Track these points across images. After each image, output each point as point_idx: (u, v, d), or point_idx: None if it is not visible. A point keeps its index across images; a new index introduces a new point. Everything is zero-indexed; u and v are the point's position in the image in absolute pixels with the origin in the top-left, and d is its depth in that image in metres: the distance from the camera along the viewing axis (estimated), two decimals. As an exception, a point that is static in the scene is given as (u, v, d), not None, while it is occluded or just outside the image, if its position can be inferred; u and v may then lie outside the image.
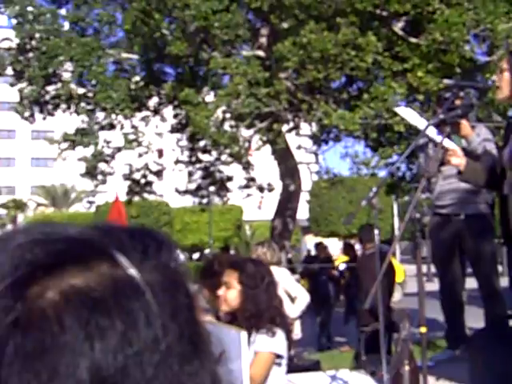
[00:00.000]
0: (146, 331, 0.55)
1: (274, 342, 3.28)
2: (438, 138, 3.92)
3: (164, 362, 0.55)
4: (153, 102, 13.01)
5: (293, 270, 14.12)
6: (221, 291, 3.38)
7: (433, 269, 13.48)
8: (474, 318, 6.70)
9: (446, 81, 4.56)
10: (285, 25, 9.97)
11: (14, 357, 0.52)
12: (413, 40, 9.70)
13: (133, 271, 0.57)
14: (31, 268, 0.55)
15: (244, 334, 2.53)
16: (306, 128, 13.15)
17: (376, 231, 4.71)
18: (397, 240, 4.93)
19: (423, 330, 3.87)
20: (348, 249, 13.87)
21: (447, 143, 3.84)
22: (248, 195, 14.27)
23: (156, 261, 0.60)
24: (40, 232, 0.59)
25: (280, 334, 3.32)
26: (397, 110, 5.57)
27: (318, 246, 14.30)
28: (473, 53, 9.64)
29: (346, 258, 12.76)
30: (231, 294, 3.36)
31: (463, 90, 5.25)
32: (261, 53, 10.82)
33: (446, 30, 8.95)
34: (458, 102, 4.91)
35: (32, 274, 0.55)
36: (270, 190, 13.78)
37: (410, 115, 4.58)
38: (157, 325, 0.55)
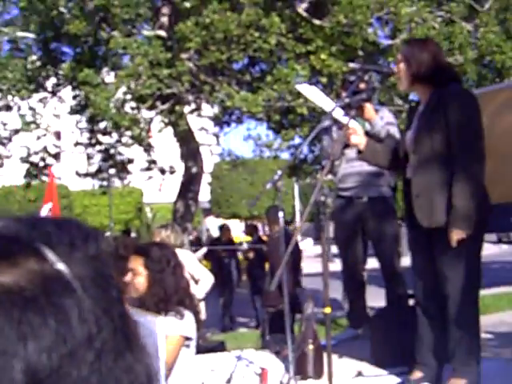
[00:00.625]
0: (80, 328, 0.52)
1: (183, 325, 3.28)
2: (344, 120, 3.94)
3: (99, 359, 0.52)
4: (51, 82, 12.54)
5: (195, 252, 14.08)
6: (127, 278, 3.33)
7: (333, 250, 13.75)
8: (374, 297, 6.88)
9: (352, 64, 4.60)
10: (187, 4, 9.78)
11: None
12: (316, 22, 9.75)
13: (61, 266, 0.54)
14: None
15: (160, 319, 2.49)
16: (207, 109, 13.06)
17: (281, 213, 4.72)
18: (302, 222, 4.96)
19: (328, 310, 3.91)
20: (251, 229, 13.97)
21: (352, 124, 3.86)
22: (149, 177, 14.05)
23: (84, 253, 0.57)
24: None
25: (188, 315, 3.32)
26: (300, 87, 5.57)
27: (222, 227, 14.33)
28: (376, 36, 9.79)
29: (249, 239, 12.84)
30: (138, 279, 3.34)
31: (367, 73, 5.33)
32: (162, 33, 10.60)
33: (350, 13, 9.03)
34: (362, 86, 4.98)
35: None
36: (172, 172, 13.61)
37: (314, 94, 4.59)
38: (90, 321, 0.53)
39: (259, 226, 33.73)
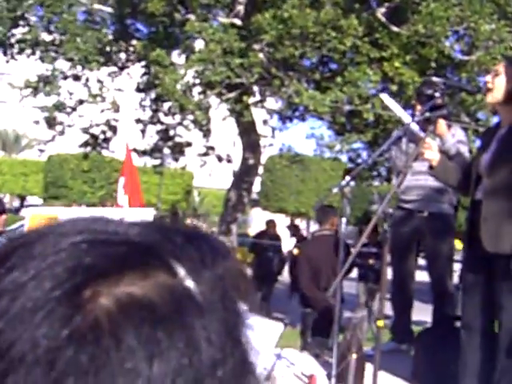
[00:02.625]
0: (206, 353, 0.48)
1: None
2: (421, 134, 3.89)
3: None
4: (121, 58, 12.70)
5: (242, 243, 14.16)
6: None
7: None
8: (415, 312, 6.80)
9: (435, 78, 4.53)
10: (265, -4, 9.80)
11: (64, 373, 0.45)
12: (394, 28, 9.65)
13: (191, 283, 0.50)
14: (90, 274, 0.48)
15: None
16: (271, 103, 13.06)
17: (344, 220, 4.68)
18: (366, 232, 4.92)
19: (380, 323, 3.88)
20: (294, 230, 13.93)
21: (428, 140, 3.82)
22: (204, 163, 14.13)
23: (212, 271, 0.53)
24: (95, 231, 0.52)
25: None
26: (383, 96, 5.52)
27: (269, 223, 14.29)
28: (452, 50, 9.65)
29: (297, 251, 12.71)
30: None
31: (449, 89, 5.25)
32: (238, 21, 10.63)
33: (429, 23, 8.90)
34: (440, 101, 4.90)
35: (90, 280, 0.48)
36: (229, 161, 13.67)
37: (395, 106, 4.55)
38: (217, 346, 0.49)
39: (303, 222, 33.74)
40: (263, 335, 2.57)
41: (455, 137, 5.24)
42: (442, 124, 5.00)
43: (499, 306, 3.53)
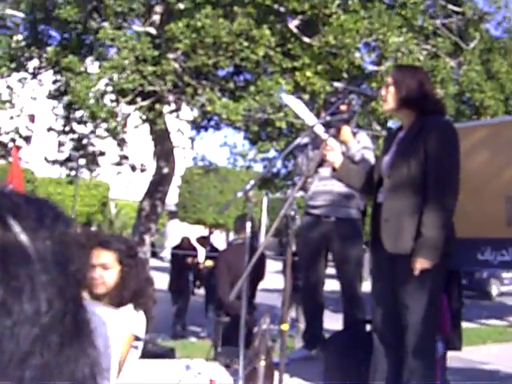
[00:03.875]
0: (28, 302, 0.49)
1: (136, 323, 3.19)
2: (324, 136, 3.95)
3: (43, 339, 0.49)
4: (32, 64, 12.40)
5: (154, 254, 13.98)
6: (97, 273, 3.21)
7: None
8: (329, 320, 6.86)
9: (337, 84, 4.64)
10: (181, 5, 9.77)
11: None
12: (306, 39, 9.81)
13: (24, 237, 0.52)
14: None
15: (116, 312, 2.43)
16: (186, 112, 13.01)
17: (249, 223, 4.67)
18: (267, 235, 4.94)
19: (285, 326, 3.87)
20: (202, 241, 13.84)
21: (330, 142, 3.87)
22: (118, 173, 13.93)
23: (50, 231, 0.55)
24: None
25: (141, 314, 3.23)
26: (285, 98, 5.56)
27: (184, 239, 13.95)
28: (362, 61, 9.90)
29: (211, 263, 12.64)
30: (110, 274, 3.21)
31: (349, 95, 5.35)
32: (152, 30, 10.57)
33: (339, 35, 9.11)
34: (343, 108, 4.99)
35: None
36: (143, 170, 13.52)
37: (299, 107, 4.59)
38: (42, 297, 0.50)
39: (222, 234, 33.72)
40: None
41: (360, 143, 5.34)
42: (345, 130, 5.09)
43: (405, 306, 3.58)
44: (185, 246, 13.52)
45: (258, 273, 7.32)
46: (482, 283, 21.32)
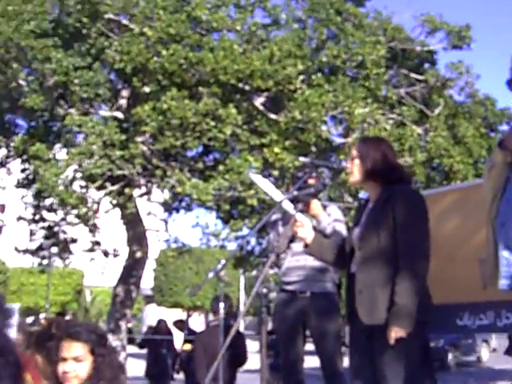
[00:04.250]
0: None
1: None
2: (293, 212, 3.93)
3: None
4: (0, 153, 12.37)
5: (132, 340, 13.65)
6: (68, 367, 3.08)
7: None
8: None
9: (302, 159, 4.65)
10: (146, 89, 9.89)
11: None
12: (272, 116, 9.95)
13: None
14: None
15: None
16: (158, 194, 12.99)
17: (222, 304, 4.59)
18: (241, 314, 4.84)
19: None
20: (180, 325, 13.54)
21: (300, 217, 3.84)
22: (92, 259, 13.73)
23: None
24: None
25: None
26: (253, 176, 5.58)
27: (160, 322, 13.69)
28: (329, 133, 10.03)
29: (190, 347, 12.36)
30: (82, 366, 3.10)
31: (317, 169, 5.37)
32: (119, 114, 10.65)
33: (305, 109, 9.26)
34: (311, 181, 5.00)
35: None
36: (116, 255, 13.34)
37: (266, 185, 4.58)
38: None
39: (200, 316, 33.22)
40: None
41: (331, 216, 5.32)
42: (315, 204, 5.09)
43: (383, 377, 3.50)
44: (161, 329, 13.21)
45: (237, 354, 7.15)
46: (439, 353, 18.99)
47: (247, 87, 9.94)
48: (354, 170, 3.78)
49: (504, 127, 18.80)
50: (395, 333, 3.38)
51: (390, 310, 3.44)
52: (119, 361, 3.45)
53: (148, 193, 12.56)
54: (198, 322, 29.25)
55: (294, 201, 4.37)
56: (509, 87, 3.13)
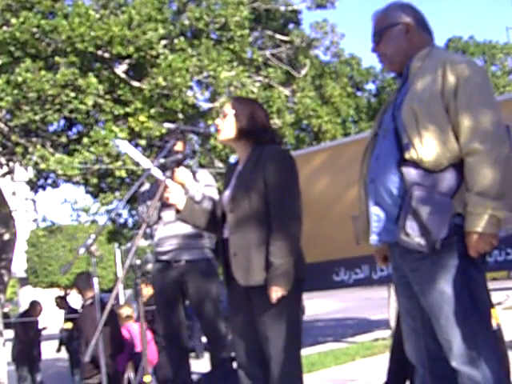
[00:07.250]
0: None
1: None
2: (162, 178, 3.83)
3: None
4: None
5: (9, 325, 13.13)
6: None
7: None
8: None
9: (167, 124, 4.48)
10: (-2, 61, 9.32)
11: None
12: (136, 84, 9.68)
13: None
14: None
15: None
16: (21, 173, 12.43)
17: (95, 279, 4.46)
18: (117, 288, 4.73)
19: (147, 378, 3.75)
20: (61, 303, 13.15)
21: (170, 183, 3.75)
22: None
23: None
24: None
25: None
26: (119, 142, 5.41)
27: (33, 303, 13.17)
28: (195, 99, 9.90)
29: (71, 325, 12.00)
30: None
31: (183, 134, 5.27)
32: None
33: (169, 75, 9.06)
34: (178, 148, 4.90)
35: None
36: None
37: (133, 152, 4.44)
38: None
39: (79, 294, 32.50)
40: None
41: (201, 181, 5.27)
42: (180, 172, 5.01)
43: (265, 337, 3.52)
44: (34, 312, 12.72)
45: (114, 328, 7.04)
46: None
47: (107, 55, 9.59)
48: (227, 127, 3.72)
49: (370, 86, 19.47)
50: (275, 292, 3.40)
51: (266, 270, 3.45)
52: None
53: (10, 172, 11.97)
54: (77, 300, 28.59)
55: (161, 168, 4.27)
56: (375, 54, 3.14)
